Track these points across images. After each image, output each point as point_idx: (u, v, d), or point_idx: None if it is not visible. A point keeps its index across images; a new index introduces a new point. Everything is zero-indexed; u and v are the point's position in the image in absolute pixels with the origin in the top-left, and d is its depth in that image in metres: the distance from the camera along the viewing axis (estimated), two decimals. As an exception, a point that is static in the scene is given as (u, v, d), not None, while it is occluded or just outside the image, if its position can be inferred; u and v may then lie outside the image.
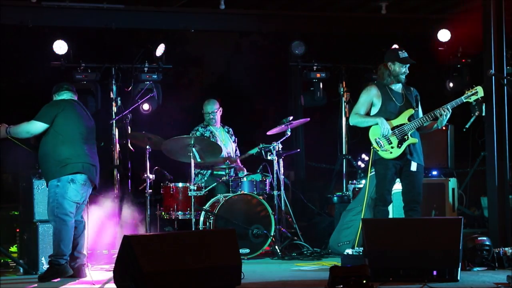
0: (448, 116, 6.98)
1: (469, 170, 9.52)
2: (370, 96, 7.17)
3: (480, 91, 6.94)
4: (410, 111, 7.06)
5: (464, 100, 7.00)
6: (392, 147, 7.04)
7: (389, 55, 7.18)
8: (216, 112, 8.94)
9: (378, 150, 7.10)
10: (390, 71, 7.14)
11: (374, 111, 7.15)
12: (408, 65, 7.13)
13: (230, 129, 9.15)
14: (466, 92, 6.99)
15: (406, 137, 7.02)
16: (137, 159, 8.52)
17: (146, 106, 9.18)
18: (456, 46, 9.68)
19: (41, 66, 9.18)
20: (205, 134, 8.84)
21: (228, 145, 8.98)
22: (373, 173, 7.82)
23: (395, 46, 9.54)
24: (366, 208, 7.89)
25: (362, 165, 9.30)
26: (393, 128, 7.03)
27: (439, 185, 8.14)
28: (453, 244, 6.15)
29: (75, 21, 9.14)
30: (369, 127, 7.10)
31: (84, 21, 9.20)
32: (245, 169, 8.87)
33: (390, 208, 7.78)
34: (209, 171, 8.81)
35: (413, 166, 7.05)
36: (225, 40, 11.42)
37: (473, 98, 6.99)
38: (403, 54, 7.14)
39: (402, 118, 7.06)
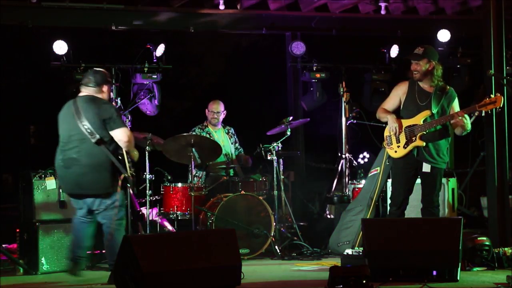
0: (469, 120, 6.78)
1: (469, 170, 9.51)
2: (397, 92, 7.11)
3: (499, 100, 6.70)
4: (426, 113, 6.88)
5: (478, 109, 6.77)
6: (398, 146, 7.00)
7: None
8: (221, 113, 8.96)
9: (385, 147, 7.09)
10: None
11: (401, 107, 7.10)
12: (414, 62, 6.95)
13: (231, 129, 9.13)
14: (485, 101, 6.75)
15: (414, 138, 6.90)
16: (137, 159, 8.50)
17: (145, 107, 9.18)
18: (456, 46, 9.67)
19: (41, 66, 9.17)
20: (202, 135, 8.83)
21: (227, 146, 8.97)
22: (374, 172, 7.83)
23: (395, 45, 9.58)
24: (366, 208, 7.90)
25: (362, 162, 9.32)
26: (405, 128, 6.95)
27: (439, 185, 8.12)
28: (453, 244, 6.15)
29: (75, 21, 9.13)
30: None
31: (84, 21, 9.19)
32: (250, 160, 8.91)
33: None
34: (205, 172, 8.79)
35: (425, 167, 6.91)
36: (225, 40, 11.40)
37: (490, 107, 6.74)
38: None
39: (417, 119, 6.92)
